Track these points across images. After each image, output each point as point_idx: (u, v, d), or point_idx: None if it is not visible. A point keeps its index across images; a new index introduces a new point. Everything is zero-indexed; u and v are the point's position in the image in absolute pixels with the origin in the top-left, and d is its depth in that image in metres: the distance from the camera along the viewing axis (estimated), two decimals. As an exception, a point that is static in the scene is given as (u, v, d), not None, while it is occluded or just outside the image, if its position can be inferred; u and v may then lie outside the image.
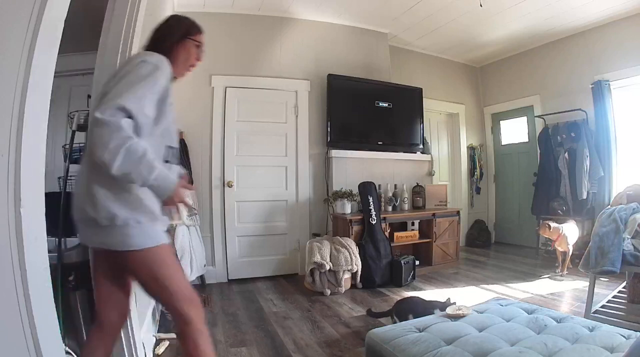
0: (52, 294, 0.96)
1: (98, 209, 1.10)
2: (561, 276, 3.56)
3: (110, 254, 1.15)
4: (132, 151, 1.04)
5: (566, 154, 4.33)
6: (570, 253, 3.58)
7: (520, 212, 5.18)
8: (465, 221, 5.25)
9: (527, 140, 5.16)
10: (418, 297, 2.52)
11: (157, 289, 1.21)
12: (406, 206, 4.17)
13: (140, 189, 1.14)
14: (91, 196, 1.10)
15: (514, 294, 3.13)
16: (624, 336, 1.36)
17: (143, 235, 1.15)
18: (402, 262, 3.42)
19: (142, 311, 1.99)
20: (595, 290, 2.48)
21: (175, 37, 1.34)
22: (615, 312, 2.45)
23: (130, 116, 1.06)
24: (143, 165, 1.07)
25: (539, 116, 4.78)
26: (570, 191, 4.32)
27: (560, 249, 3.58)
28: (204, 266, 3.34)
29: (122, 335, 1.59)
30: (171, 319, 1.39)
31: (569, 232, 3.55)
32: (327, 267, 3.20)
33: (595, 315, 2.36)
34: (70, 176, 1.81)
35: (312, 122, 4.00)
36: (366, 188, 3.66)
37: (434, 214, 4.01)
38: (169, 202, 1.21)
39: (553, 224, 3.53)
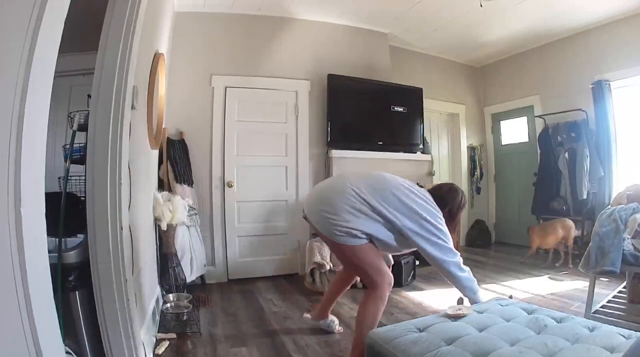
0: (52, 294, 0.96)
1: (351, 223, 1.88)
2: (562, 266, 3.56)
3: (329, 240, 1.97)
4: (472, 284, 1.94)
5: (566, 154, 4.33)
6: (571, 244, 3.59)
7: (521, 212, 5.18)
8: (466, 221, 5.26)
9: (527, 140, 5.16)
10: None
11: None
12: (406, 206, 4.16)
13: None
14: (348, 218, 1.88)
15: (514, 294, 3.12)
16: (624, 336, 1.36)
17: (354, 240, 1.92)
18: (402, 262, 3.41)
19: (142, 312, 1.99)
20: (596, 290, 2.48)
21: (456, 210, 2.20)
22: (615, 312, 2.45)
23: None
24: (474, 286, 1.95)
25: (539, 116, 4.78)
26: (570, 191, 4.31)
27: (546, 246, 3.61)
28: (204, 265, 3.34)
29: (123, 335, 1.59)
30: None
31: (547, 230, 3.60)
32: (328, 267, 3.20)
33: (596, 315, 2.36)
34: (70, 176, 1.80)
35: (313, 122, 3.99)
36: (366, 188, 3.66)
37: (434, 214, 4.00)
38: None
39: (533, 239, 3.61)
